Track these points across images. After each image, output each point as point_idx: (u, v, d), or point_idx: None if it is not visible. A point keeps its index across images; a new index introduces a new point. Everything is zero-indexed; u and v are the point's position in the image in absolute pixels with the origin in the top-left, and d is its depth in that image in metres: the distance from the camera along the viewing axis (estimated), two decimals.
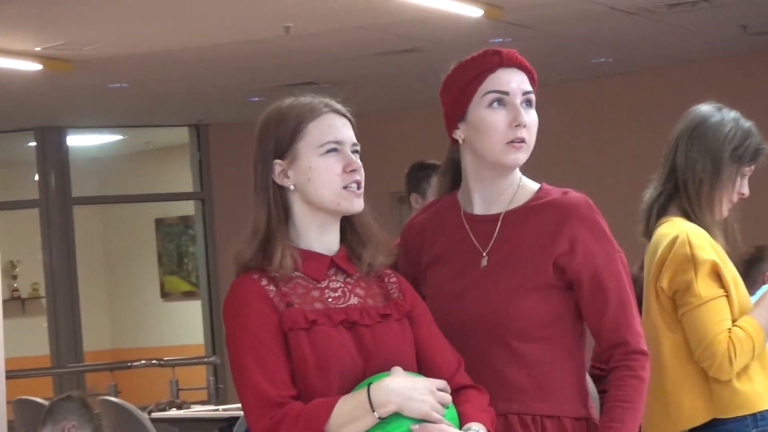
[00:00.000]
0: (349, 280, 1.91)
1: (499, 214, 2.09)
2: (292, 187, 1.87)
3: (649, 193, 2.62)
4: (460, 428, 1.81)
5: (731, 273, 2.51)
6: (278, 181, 1.87)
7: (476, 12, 6.28)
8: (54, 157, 8.83)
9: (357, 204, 1.89)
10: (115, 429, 5.18)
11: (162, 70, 7.54)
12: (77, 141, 9.38)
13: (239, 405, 2.36)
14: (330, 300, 1.87)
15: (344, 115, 1.91)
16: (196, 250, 10.35)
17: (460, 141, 2.10)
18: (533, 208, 2.09)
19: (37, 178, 8.99)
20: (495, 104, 2.04)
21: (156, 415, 5.93)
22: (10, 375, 4.87)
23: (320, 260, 1.88)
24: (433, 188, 4.38)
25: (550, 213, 2.07)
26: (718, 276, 2.45)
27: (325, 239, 1.91)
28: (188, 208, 10.67)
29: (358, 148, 1.92)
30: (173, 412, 6.13)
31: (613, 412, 1.97)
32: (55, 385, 8.75)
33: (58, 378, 8.83)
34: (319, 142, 1.86)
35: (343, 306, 1.87)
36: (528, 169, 2.15)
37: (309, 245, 1.89)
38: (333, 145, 1.86)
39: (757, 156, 2.61)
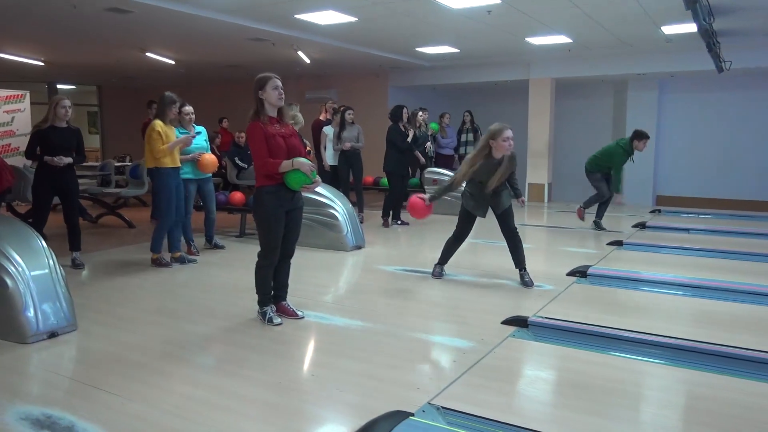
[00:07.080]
0: (280, 125, 5.98)
1: None
2: (263, 98, 5.97)
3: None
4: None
5: (165, 133, 7.70)
6: (260, 96, 5.96)
7: None
8: None
9: (281, 103, 6.00)
10: None
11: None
12: None
13: None
14: (277, 128, 5.95)
15: (278, 79, 5.97)
16: None
17: None
18: None
19: None
20: None
21: None
22: None
23: (273, 119, 5.99)
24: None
25: None
26: (159, 135, 7.71)
27: (273, 112, 5.99)
28: None
29: (282, 87, 5.98)
30: None
31: None
32: None
33: None
34: (272, 87, 5.96)
35: (281, 131, 5.95)
36: None
37: (270, 114, 5.97)
38: (276, 86, 5.97)
39: None
